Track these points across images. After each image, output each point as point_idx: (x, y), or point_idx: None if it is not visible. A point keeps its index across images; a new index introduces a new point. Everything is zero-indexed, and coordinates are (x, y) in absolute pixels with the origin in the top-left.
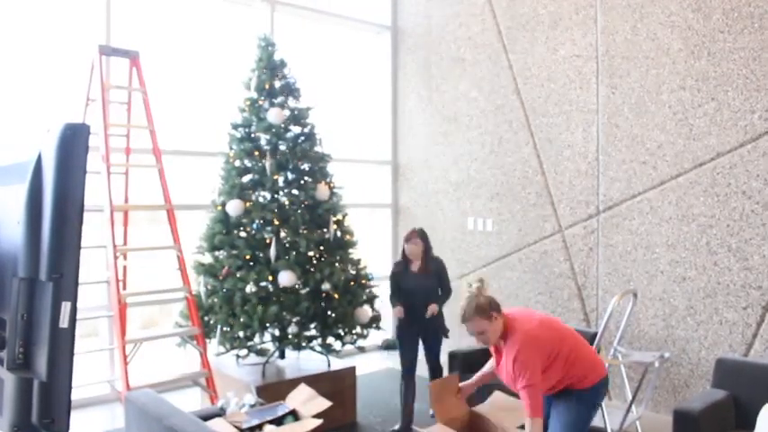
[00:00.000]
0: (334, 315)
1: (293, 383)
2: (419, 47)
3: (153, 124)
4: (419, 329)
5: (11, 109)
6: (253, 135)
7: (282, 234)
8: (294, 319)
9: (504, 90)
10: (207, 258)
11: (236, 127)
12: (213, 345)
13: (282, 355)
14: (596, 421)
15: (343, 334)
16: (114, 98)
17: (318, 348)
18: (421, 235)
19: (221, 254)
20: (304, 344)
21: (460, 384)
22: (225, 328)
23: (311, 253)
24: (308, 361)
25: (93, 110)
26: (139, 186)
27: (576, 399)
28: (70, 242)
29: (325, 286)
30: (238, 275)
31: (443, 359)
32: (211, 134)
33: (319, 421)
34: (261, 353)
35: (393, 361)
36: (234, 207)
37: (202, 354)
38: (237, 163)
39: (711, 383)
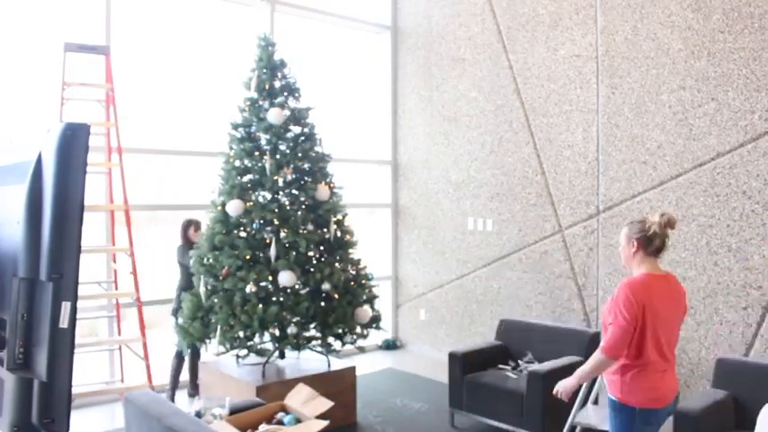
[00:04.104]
0: (334, 315)
1: (293, 383)
2: (419, 47)
3: (116, 121)
4: None
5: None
6: (253, 135)
7: (282, 234)
8: (294, 320)
9: (504, 90)
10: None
11: (236, 127)
12: (213, 345)
13: (282, 355)
14: (601, 422)
15: (343, 334)
16: (91, 96)
17: (318, 348)
18: None
19: (221, 254)
20: (304, 344)
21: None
22: (225, 328)
23: (311, 253)
24: (308, 361)
25: (69, 109)
26: (135, 186)
27: (611, 406)
28: (70, 242)
29: (325, 286)
30: (238, 275)
31: (443, 358)
32: (211, 134)
33: (325, 422)
34: (261, 353)
35: (393, 361)
36: (234, 207)
37: (147, 366)
38: (237, 163)
39: (711, 383)
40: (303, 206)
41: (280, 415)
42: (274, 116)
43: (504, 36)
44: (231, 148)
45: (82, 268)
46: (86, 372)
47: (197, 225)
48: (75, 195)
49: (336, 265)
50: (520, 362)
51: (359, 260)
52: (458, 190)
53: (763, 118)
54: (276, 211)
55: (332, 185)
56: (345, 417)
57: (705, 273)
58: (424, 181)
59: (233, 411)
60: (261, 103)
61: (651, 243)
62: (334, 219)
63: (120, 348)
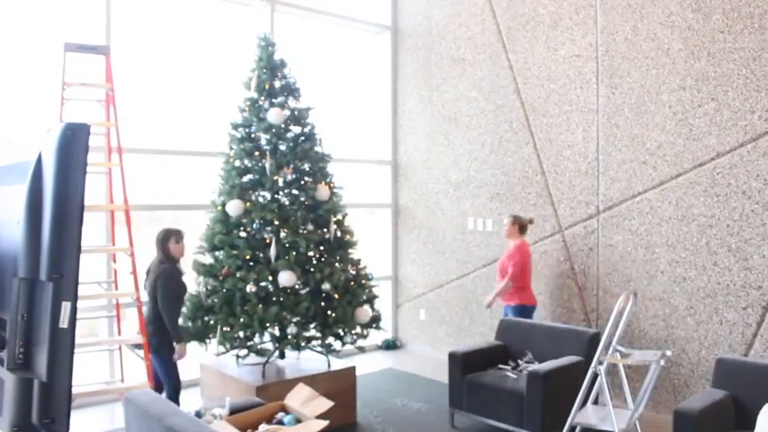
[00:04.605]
0: (334, 315)
1: (293, 383)
2: (419, 47)
3: (116, 121)
4: None
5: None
6: (253, 135)
7: (282, 234)
8: (294, 320)
9: (504, 90)
10: (207, 258)
11: (236, 127)
12: (213, 345)
13: (282, 355)
14: (601, 422)
15: (343, 334)
16: (91, 96)
17: (318, 348)
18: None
19: (221, 254)
20: (304, 344)
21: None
22: (225, 328)
23: (311, 253)
24: (308, 361)
25: (69, 109)
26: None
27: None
28: (70, 242)
29: (326, 286)
30: (238, 275)
31: (443, 358)
32: (211, 134)
33: (325, 422)
34: (261, 353)
35: (393, 361)
36: (234, 207)
37: (147, 366)
38: (237, 163)
39: (711, 383)
40: (303, 206)
41: (280, 415)
42: (274, 116)
43: (504, 36)
44: (231, 148)
45: (82, 268)
46: (86, 372)
47: (178, 236)
48: (75, 195)
49: (336, 265)
50: (520, 362)
51: (359, 260)
52: (458, 190)
53: (763, 118)
54: (276, 211)
55: (332, 185)
56: (345, 417)
57: (705, 273)
58: (424, 181)
59: (233, 411)
60: (261, 103)
61: (523, 228)
62: (334, 219)
63: (120, 348)
